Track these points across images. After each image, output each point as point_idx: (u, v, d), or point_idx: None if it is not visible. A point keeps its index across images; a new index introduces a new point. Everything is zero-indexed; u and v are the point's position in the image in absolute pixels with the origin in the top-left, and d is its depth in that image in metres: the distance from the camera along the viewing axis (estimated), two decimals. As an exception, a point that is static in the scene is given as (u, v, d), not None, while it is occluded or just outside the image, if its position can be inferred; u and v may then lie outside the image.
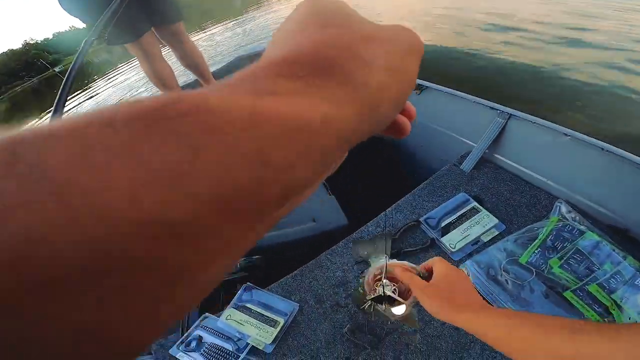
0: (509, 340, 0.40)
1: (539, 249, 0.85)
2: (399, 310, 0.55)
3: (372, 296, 0.55)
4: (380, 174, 1.44)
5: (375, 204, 1.08)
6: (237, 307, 0.85)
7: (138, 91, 6.75)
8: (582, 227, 0.86)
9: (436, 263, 0.54)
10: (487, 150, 1.12)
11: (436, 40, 4.38)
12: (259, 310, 0.85)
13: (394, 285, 0.55)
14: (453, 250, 0.92)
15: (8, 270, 0.07)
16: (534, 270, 0.82)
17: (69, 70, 0.78)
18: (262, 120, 0.11)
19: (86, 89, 10.75)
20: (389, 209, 1.05)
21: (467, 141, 1.22)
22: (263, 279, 0.93)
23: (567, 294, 0.77)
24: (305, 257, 0.96)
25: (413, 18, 5.73)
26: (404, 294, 0.55)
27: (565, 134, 0.96)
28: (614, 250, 0.80)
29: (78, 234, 0.07)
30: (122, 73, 9.79)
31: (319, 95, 0.13)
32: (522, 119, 1.06)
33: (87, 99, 9.13)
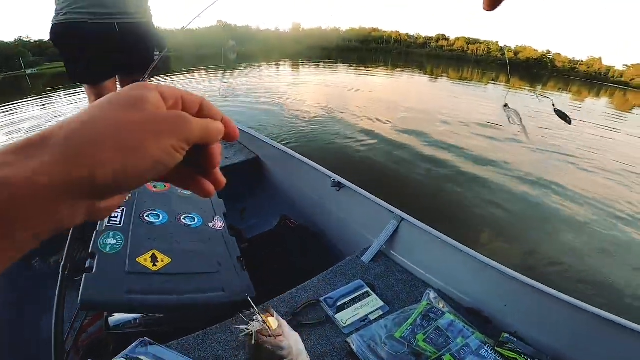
0: None
1: (410, 327, 1.02)
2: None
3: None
4: (295, 258, 1.59)
5: (284, 283, 1.21)
6: (127, 358, 0.84)
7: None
8: (444, 309, 1.06)
9: None
10: (384, 246, 1.36)
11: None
12: (150, 365, 0.85)
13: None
14: (344, 325, 1.04)
15: None
16: (406, 343, 0.97)
17: None
18: None
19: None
20: (295, 288, 1.18)
21: (369, 237, 1.47)
22: (163, 337, 0.94)
23: (428, 363, 0.91)
24: (210, 322, 1.01)
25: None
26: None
27: (438, 237, 1.24)
28: (464, 327, 1.00)
29: None
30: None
31: (29, 167, 0.19)
32: (410, 223, 1.33)
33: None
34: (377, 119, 6.55)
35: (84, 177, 0.19)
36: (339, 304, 1.12)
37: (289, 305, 1.11)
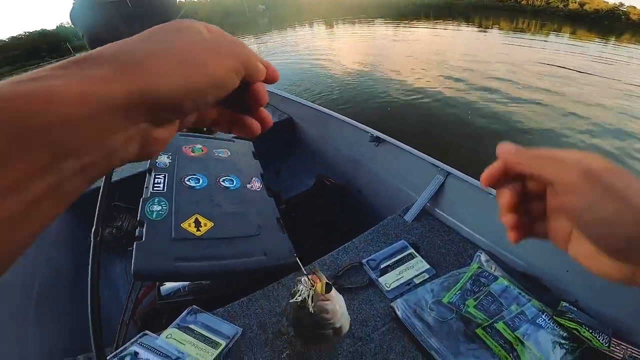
0: None
1: (459, 291, 0.96)
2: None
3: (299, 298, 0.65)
4: (334, 217, 1.56)
5: (325, 245, 1.18)
6: (179, 327, 0.89)
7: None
8: (496, 274, 0.99)
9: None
10: (428, 204, 1.27)
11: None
12: (201, 331, 0.88)
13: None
14: (388, 289, 1.01)
15: None
16: (454, 309, 0.92)
17: None
18: (14, 97, 0.14)
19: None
20: (336, 250, 1.15)
21: (412, 193, 1.38)
22: (210, 304, 0.97)
23: (479, 331, 0.86)
24: (253, 287, 1.02)
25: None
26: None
27: (489, 193, 1.13)
28: (520, 294, 0.92)
29: None
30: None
31: (84, 78, 0.16)
32: (457, 177, 1.22)
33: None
34: (424, 76, 6.19)
35: (144, 90, 0.18)
36: (382, 266, 1.08)
37: (331, 268, 1.09)
